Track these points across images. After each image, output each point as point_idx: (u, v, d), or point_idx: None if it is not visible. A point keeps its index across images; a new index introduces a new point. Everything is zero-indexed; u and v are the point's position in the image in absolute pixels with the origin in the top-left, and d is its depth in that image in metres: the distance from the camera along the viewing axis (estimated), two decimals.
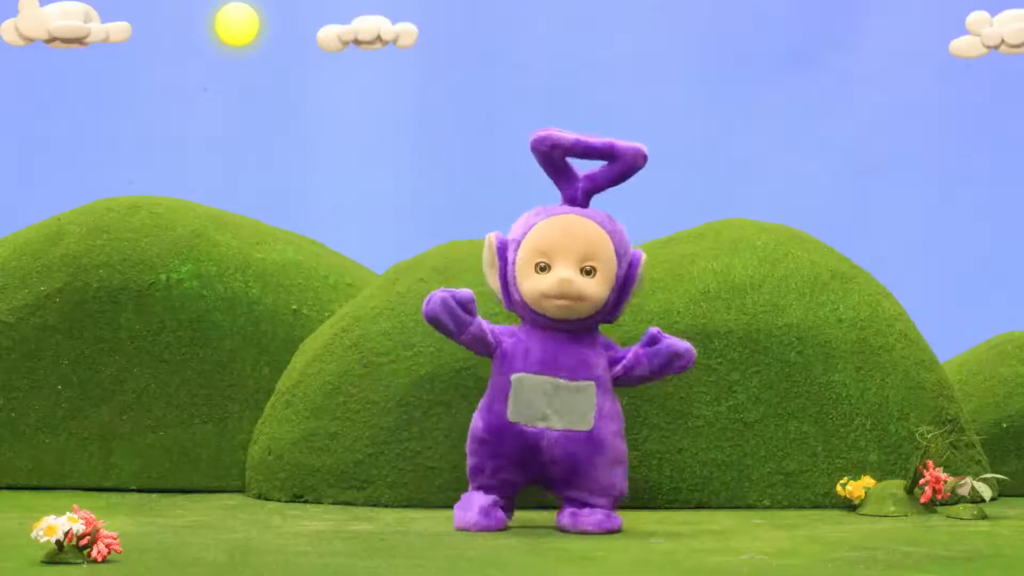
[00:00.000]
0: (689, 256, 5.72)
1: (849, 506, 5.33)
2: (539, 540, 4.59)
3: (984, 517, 5.15)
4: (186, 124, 8.24)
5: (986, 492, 5.28)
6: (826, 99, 8.30)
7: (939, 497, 5.27)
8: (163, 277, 5.83)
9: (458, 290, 4.79)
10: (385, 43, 7.30)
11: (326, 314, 5.89)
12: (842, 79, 8.28)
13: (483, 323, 4.82)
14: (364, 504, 5.38)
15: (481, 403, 4.87)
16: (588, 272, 4.76)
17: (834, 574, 4.03)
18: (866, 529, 4.88)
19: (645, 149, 4.85)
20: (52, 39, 6.98)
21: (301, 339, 5.80)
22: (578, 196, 4.88)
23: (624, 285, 4.84)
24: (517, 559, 4.23)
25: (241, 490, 5.70)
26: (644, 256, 4.87)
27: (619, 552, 4.38)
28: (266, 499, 5.52)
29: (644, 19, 8.34)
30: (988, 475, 5.44)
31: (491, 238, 4.85)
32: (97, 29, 7.01)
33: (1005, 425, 5.95)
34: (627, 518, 4.97)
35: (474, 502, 4.80)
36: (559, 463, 4.75)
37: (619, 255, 4.81)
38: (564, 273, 4.73)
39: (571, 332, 4.81)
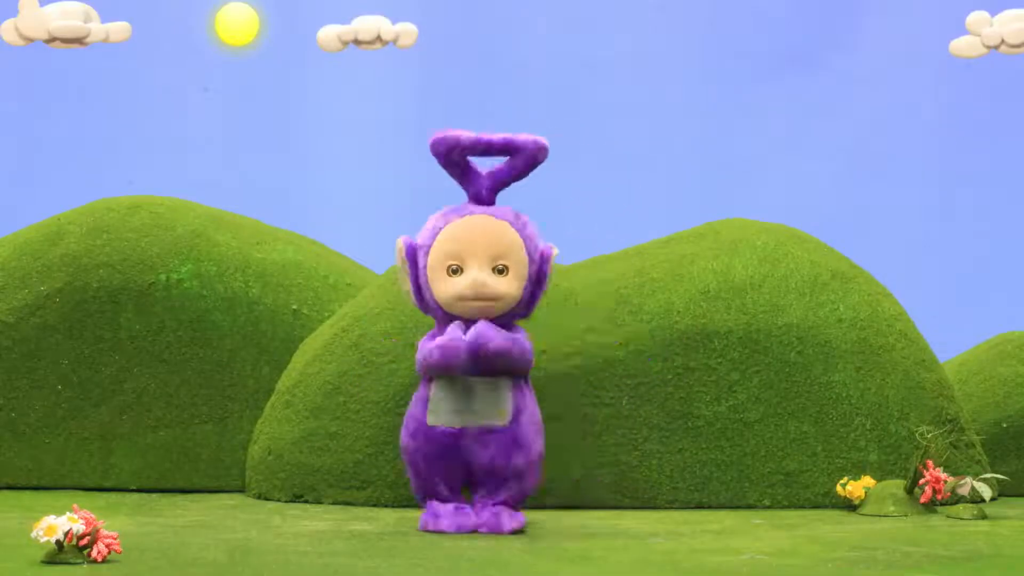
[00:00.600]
0: (689, 256, 5.72)
1: (849, 506, 5.32)
2: (539, 540, 4.58)
3: (984, 517, 5.14)
4: (186, 124, 8.24)
5: (986, 492, 5.28)
6: (826, 99, 8.29)
7: (939, 497, 5.27)
8: (163, 277, 5.83)
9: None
10: (385, 43, 7.29)
11: (326, 314, 5.89)
12: (842, 79, 8.28)
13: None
14: (364, 504, 5.38)
15: (405, 418, 4.86)
16: (500, 271, 4.75)
17: (834, 574, 4.03)
18: (866, 529, 4.87)
19: (545, 141, 4.84)
20: (52, 39, 6.98)
21: (301, 339, 5.80)
22: (483, 194, 4.87)
23: (537, 281, 4.82)
24: (517, 559, 4.23)
25: (241, 490, 5.69)
26: (555, 251, 4.86)
27: (619, 552, 4.37)
28: (266, 499, 5.51)
29: (644, 19, 8.33)
30: (988, 475, 5.43)
31: (400, 244, 4.85)
32: (97, 29, 7.01)
33: (1005, 425, 5.95)
34: (627, 518, 4.97)
35: (438, 508, 4.79)
36: (482, 461, 4.72)
37: (530, 251, 4.80)
38: (477, 275, 4.72)
39: None
